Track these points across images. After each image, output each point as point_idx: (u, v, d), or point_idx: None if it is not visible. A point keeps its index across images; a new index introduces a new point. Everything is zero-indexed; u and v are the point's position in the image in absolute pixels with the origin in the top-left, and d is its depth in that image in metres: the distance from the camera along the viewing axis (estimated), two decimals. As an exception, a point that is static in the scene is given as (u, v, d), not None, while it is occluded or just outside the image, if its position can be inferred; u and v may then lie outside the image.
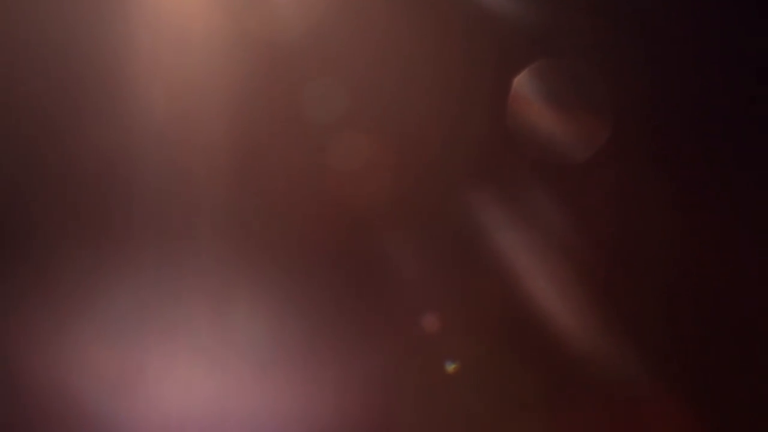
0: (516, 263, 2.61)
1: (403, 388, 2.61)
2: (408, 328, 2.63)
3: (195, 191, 2.64)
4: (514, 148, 2.63)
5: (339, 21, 2.63)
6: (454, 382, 2.61)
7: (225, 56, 2.65)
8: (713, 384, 2.57)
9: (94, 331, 2.61)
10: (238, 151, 2.65)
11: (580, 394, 2.58)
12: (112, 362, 2.59)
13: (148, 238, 2.63)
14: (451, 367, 2.62)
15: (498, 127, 2.64)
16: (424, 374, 2.62)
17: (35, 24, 2.64)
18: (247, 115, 2.65)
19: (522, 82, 2.63)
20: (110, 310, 2.62)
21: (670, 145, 2.65)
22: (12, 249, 2.62)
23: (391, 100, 2.64)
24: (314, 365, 2.61)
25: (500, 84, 2.65)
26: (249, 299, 2.64)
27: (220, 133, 2.64)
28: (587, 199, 2.63)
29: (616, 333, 2.58)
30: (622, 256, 2.63)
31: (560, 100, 2.65)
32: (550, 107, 2.64)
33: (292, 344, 2.62)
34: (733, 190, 2.64)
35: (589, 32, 2.64)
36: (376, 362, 2.61)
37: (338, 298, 2.63)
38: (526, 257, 2.61)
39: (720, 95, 2.66)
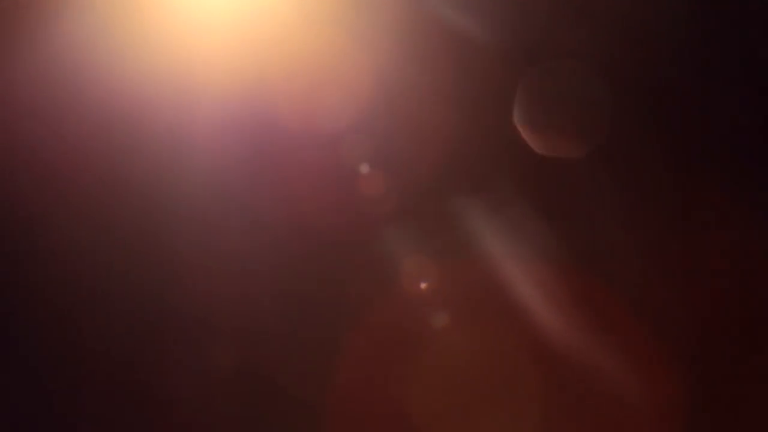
0: (513, 266, 2.64)
1: (404, 381, 2.66)
2: (408, 323, 2.67)
3: (202, 190, 2.66)
4: (516, 150, 2.65)
5: (349, 27, 2.63)
6: (453, 376, 2.65)
7: (230, 58, 2.66)
8: (702, 387, 2.60)
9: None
10: (247, 151, 2.67)
11: (572, 393, 2.62)
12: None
13: (159, 231, 2.67)
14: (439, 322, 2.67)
15: (500, 129, 2.65)
16: (423, 365, 2.66)
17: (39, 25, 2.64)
18: (254, 116, 2.66)
19: (524, 87, 2.64)
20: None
21: (669, 147, 2.66)
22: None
23: (396, 104, 2.65)
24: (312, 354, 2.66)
25: (502, 89, 2.65)
26: (257, 286, 2.68)
27: (227, 134, 2.66)
28: (587, 202, 2.65)
29: (611, 337, 2.62)
30: (622, 257, 2.66)
31: (562, 101, 2.65)
32: (553, 108, 2.64)
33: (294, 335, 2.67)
34: (735, 191, 2.64)
35: (588, 34, 2.64)
36: (376, 353, 2.66)
37: (340, 291, 2.68)
38: (522, 260, 2.64)
39: (721, 95, 2.66)
